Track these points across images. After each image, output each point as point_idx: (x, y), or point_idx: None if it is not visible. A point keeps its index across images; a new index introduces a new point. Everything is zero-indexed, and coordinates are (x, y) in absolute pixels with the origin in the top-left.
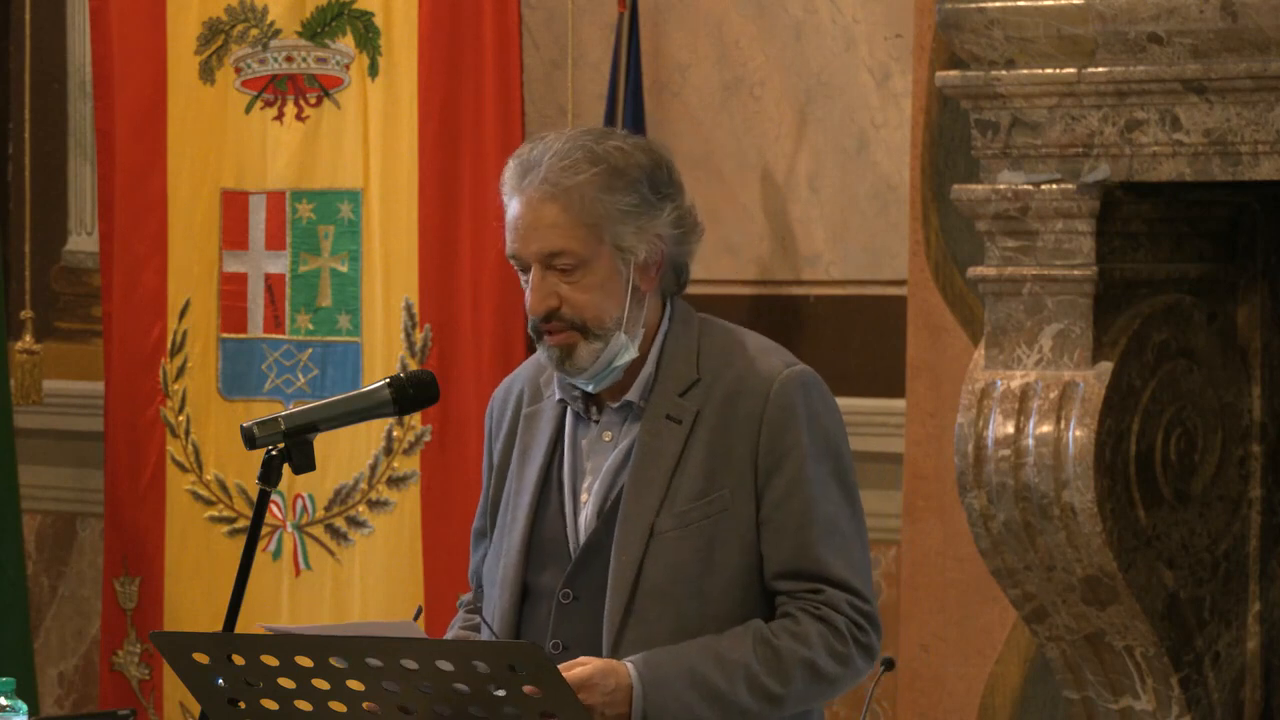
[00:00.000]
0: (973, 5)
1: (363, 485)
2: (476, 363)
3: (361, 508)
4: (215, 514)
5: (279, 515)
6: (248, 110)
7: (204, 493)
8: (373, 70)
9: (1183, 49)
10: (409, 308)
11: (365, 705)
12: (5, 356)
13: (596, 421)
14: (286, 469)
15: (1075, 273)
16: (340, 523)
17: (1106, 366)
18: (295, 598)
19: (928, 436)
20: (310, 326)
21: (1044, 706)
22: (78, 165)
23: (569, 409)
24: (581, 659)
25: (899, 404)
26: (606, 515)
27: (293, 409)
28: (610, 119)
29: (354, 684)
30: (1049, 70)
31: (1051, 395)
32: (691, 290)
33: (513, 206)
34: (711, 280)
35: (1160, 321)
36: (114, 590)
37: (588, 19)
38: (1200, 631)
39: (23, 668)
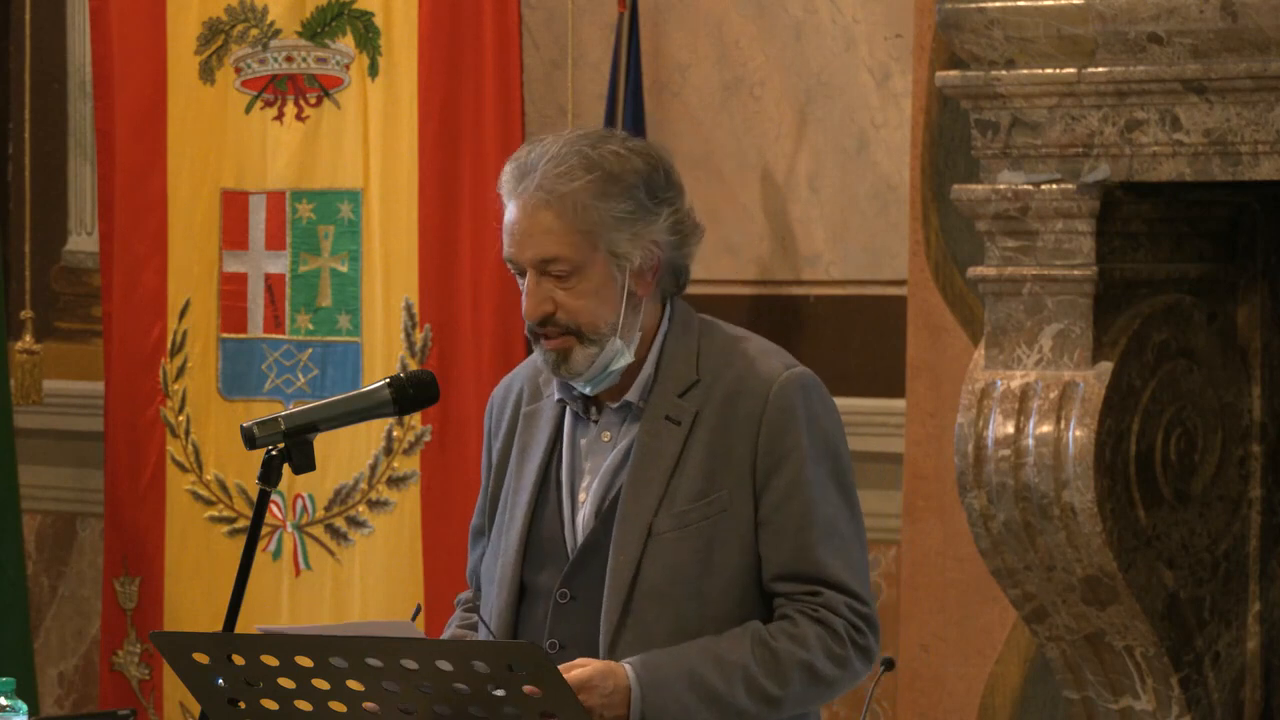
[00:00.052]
0: (973, 5)
1: (363, 485)
2: (476, 363)
3: (361, 508)
4: (215, 514)
5: (279, 515)
6: (248, 110)
7: (204, 493)
8: (373, 70)
9: (1183, 49)
10: (409, 308)
11: (365, 705)
12: (5, 356)
13: (595, 421)
14: (286, 469)
15: (1075, 273)
16: (340, 523)
17: (1106, 366)
18: (295, 598)
19: (928, 436)
20: (310, 326)
21: (1044, 706)
22: (78, 165)
23: (568, 409)
24: (580, 660)
25: (899, 404)
26: (604, 515)
27: (293, 409)
28: (610, 119)
29: (354, 684)
30: (1049, 70)
31: (1051, 395)
32: (691, 290)
33: (509, 211)
34: (711, 280)
35: (1160, 321)
36: (114, 590)
37: (588, 19)
38: (1200, 631)
39: (23, 668)
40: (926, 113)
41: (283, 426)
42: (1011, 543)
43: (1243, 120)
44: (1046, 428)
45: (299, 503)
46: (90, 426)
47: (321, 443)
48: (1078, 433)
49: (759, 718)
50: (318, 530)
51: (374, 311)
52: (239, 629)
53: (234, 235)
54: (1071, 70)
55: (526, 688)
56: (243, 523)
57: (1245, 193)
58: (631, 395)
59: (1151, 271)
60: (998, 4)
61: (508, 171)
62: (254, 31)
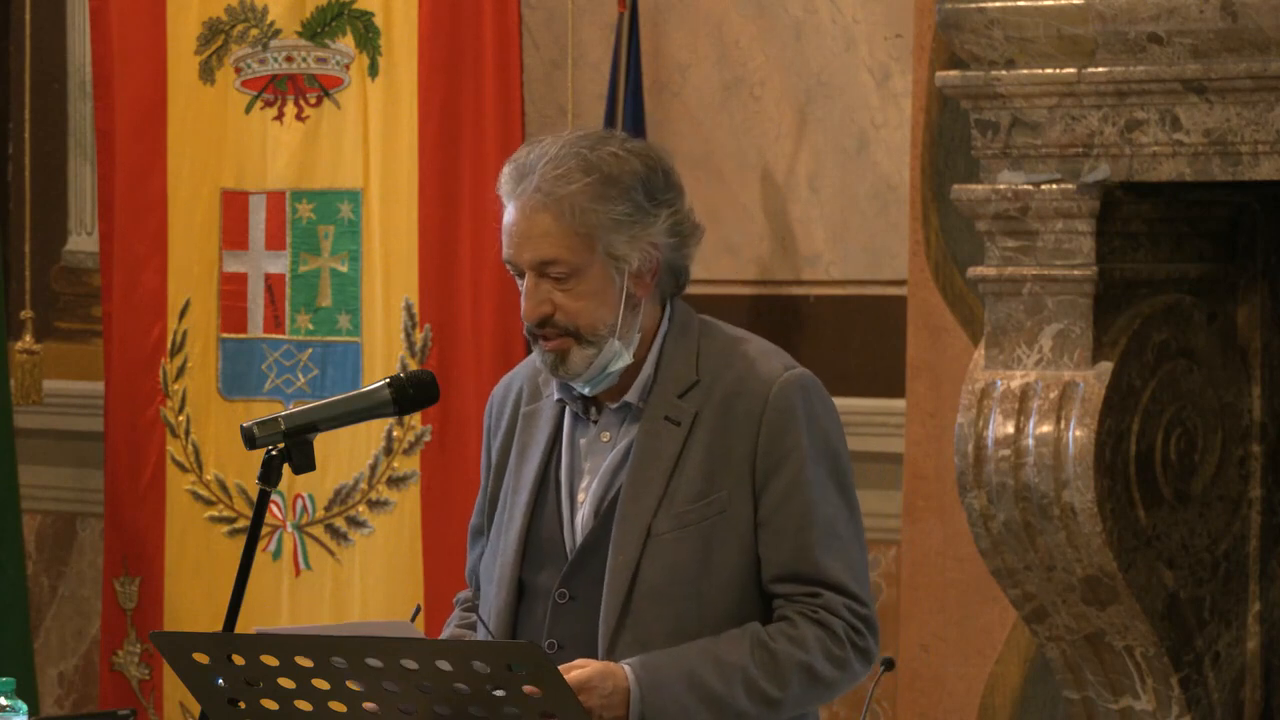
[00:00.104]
0: (973, 5)
1: (363, 485)
2: (476, 363)
3: (361, 508)
4: (215, 514)
5: (279, 515)
6: (248, 110)
7: (204, 493)
8: (373, 70)
9: (1183, 49)
10: (409, 308)
11: (365, 705)
12: (5, 356)
13: (595, 422)
14: (286, 469)
15: (1075, 273)
16: (340, 523)
17: (1106, 366)
18: (295, 598)
19: (928, 436)
20: (310, 326)
21: (1044, 706)
22: (78, 165)
23: (567, 409)
24: (580, 660)
25: (899, 404)
26: (604, 515)
27: (293, 409)
28: (610, 119)
29: (354, 684)
30: (1049, 70)
31: (1051, 395)
32: (691, 290)
33: (508, 212)
34: (711, 280)
35: (1160, 321)
36: (114, 590)
37: (588, 19)
38: (1200, 631)
39: (23, 668)
40: (926, 113)
41: (283, 426)
42: (1011, 543)
43: (1243, 120)
44: (1046, 428)
45: (299, 503)
46: (90, 426)
47: (321, 443)
48: (1078, 433)
49: (758, 719)
50: (318, 530)
51: (374, 311)
52: (239, 629)
53: (234, 235)
54: (1071, 70)
55: (526, 688)
56: (243, 523)
57: (1245, 193)
58: (631, 396)
59: (1151, 271)
60: (998, 4)
61: (506, 173)
62: (254, 31)
